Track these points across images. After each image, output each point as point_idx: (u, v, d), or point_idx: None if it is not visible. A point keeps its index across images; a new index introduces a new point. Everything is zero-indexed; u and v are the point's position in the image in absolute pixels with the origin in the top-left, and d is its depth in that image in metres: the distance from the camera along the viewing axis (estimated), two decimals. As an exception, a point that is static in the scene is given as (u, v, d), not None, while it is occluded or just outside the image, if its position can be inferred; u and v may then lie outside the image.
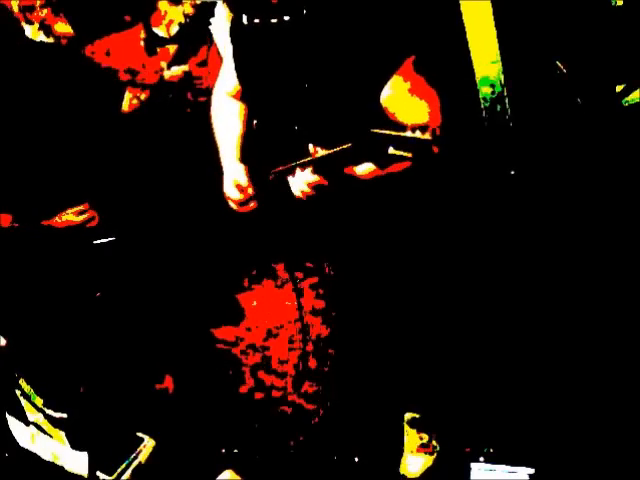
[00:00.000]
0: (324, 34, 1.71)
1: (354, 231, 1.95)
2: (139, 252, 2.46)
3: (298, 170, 1.69)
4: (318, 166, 1.66)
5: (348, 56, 1.71)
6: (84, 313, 2.30)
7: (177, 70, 2.52)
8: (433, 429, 2.09)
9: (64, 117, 2.40)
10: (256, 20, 1.73)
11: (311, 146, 1.67)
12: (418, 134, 1.46)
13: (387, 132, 1.50)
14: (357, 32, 1.71)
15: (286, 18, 1.70)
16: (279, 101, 1.85)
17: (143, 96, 2.52)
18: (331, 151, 1.62)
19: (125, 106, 2.53)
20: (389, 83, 1.71)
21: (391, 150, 1.51)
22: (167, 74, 2.53)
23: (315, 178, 1.67)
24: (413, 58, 1.72)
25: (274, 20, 1.70)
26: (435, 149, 1.53)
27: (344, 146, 1.58)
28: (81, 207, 2.34)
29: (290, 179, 1.73)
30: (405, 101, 1.71)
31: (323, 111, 1.78)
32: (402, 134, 1.49)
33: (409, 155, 1.50)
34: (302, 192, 1.70)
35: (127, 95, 2.53)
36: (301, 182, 1.69)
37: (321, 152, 1.64)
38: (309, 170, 1.67)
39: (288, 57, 1.77)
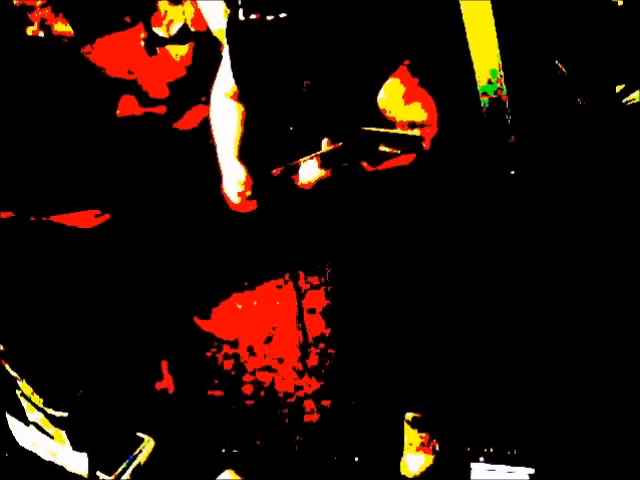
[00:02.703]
0: (321, 33, 1.71)
1: (355, 230, 1.95)
2: (139, 252, 2.46)
3: (303, 166, 1.70)
4: (322, 162, 1.68)
5: (345, 56, 1.71)
6: (85, 313, 2.30)
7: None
8: (433, 429, 2.09)
9: (65, 116, 2.40)
10: (252, 16, 1.71)
11: (325, 141, 1.67)
12: (408, 131, 1.46)
13: (376, 129, 1.52)
14: (354, 32, 1.70)
15: (282, 15, 1.69)
16: (276, 101, 1.85)
17: (136, 110, 2.52)
18: (326, 150, 1.63)
19: (119, 111, 2.52)
20: (387, 83, 1.71)
21: (382, 147, 1.52)
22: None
23: (321, 172, 1.68)
24: (411, 58, 1.72)
25: (270, 17, 1.69)
26: (426, 145, 1.53)
27: (336, 145, 1.60)
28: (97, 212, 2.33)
29: (300, 172, 1.73)
30: (403, 102, 1.71)
31: (320, 111, 1.78)
32: (391, 131, 1.50)
33: (398, 152, 1.51)
34: (307, 183, 1.71)
35: (122, 102, 2.52)
36: (308, 176, 1.70)
37: (321, 150, 1.65)
38: (315, 165, 1.68)
39: (284, 57, 1.77)
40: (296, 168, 1.73)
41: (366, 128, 1.53)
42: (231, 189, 1.97)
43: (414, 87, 1.71)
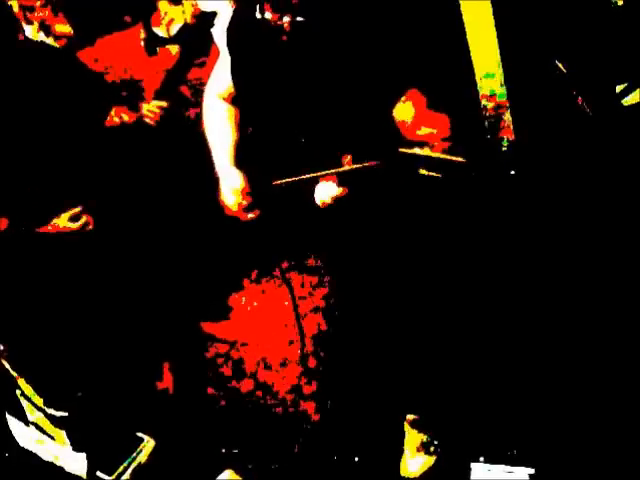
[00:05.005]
0: (332, 44, 1.67)
1: (353, 230, 1.95)
2: (139, 254, 2.46)
3: (322, 181, 1.70)
4: (342, 178, 1.67)
5: (355, 67, 1.68)
6: (85, 314, 2.30)
7: (154, 105, 2.50)
8: (434, 429, 2.09)
9: (61, 120, 2.39)
10: (267, 15, 1.65)
11: (347, 159, 1.67)
12: (450, 156, 1.46)
13: (415, 152, 1.51)
14: (368, 45, 1.67)
15: (298, 19, 1.64)
16: (275, 108, 1.80)
17: (126, 117, 2.50)
18: (353, 167, 1.63)
19: (107, 121, 2.51)
20: (399, 99, 1.70)
21: (422, 171, 1.52)
22: (145, 107, 2.51)
23: (339, 190, 1.68)
24: (420, 74, 1.71)
25: (286, 19, 1.63)
26: (470, 170, 1.53)
27: (369, 163, 1.59)
28: (76, 211, 2.31)
29: (317, 190, 1.73)
30: (416, 118, 1.70)
31: (322, 122, 1.75)
32: (432, 154, 1.49)
33: (439, 175, 1.51)
34: (324, 203, 1.72)
35: (112, 112, 2.51)
36: (326, 194, 1.70)
37: (345, 167, 1.65)
38: (333, 182, 1.68)
39: (290, 63, 1.72)
40: (301, 182, 1.71)
41: (404, 150, 1.53)
42: (228, 198, 1.93)
43: (425, 104, 1.70)
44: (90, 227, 2.31)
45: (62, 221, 2.27)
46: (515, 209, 2.10)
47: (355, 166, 1.64)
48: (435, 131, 1.69)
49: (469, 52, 1.94)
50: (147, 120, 2.49)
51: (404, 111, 1.71)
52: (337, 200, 1.71)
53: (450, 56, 1.96)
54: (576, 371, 2.06)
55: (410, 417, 2.10)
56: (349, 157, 1.68)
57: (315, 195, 1.75)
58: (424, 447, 2.07)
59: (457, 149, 1.68)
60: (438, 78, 1.81)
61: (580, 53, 2.09)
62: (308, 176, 1.70)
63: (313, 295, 2.33)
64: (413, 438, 2.08)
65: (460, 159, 1.51)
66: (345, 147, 1.70)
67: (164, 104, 2.49)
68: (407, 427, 2.10)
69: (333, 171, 1.68)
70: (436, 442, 2.07)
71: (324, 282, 2.31)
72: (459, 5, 1.91)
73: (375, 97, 1.71)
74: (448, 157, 1.52)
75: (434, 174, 1.54)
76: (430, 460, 2.06)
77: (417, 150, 1.57)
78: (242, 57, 1.85)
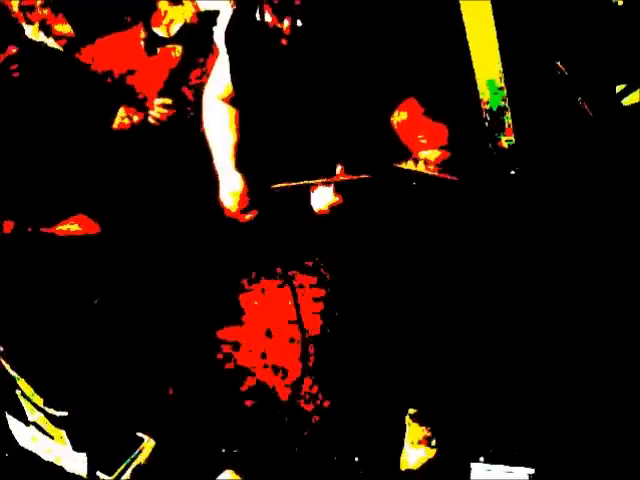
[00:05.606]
0: (332, 48, 1.67)
1: (354, 230, 1.95)
2: (139, 255, 2.46)
3: (319, 188, 1.72)
4: (338, 187, 1.70)
5: (355, 74, 1.68)
6: (86, 315, 2.30)
7: (161, 102, 2.50)
8: (435, 424, 2.09)
9: (65, 123, 2.39)
10: (267, 18, 1.65)
11: (339, 168, 1.69)
12: (439, 173, 1.48)
13: (409, 168, 1.53)
14: (368, 48, 1.68)
15: (298, 23, 1.63)
16: (272, 111, 1.81)
17: (136, 118, 2.50)
18: (350, 177, 1.65)
19: (115, 123, 2.50)
20: (400, 105, 1.70)
21: (414, 184, 1.55)
22: (153, 103, 2.51)
23: (335, 199, 1.70)
24: (421, 75, 1.72)
25: (286, 22, 1.63)
26: (457, 182, 1.55)
27: (364, 176, 1.62)
28: (79, 213, 2.31)
29: (312, 197, 1.75)
30: (414, 123, 1.71)
31: (320, 125, 1.76)
32: (425, 172, 1.51)
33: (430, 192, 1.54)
34: (320, 211, 1.73)
35: (121, 113, 2.50)
36: (323, 202, 1.72)
37: (341, 177, 1.67)
38: (331, 190, 1.70)
39: (288, 66, 1.72)
40: (299, 188, 1.73)
41: (398, 165, 1.55)
42: (227, 200, 1.94)
43: (423, 112, 1.71)
44: (94, 231, 2.31)
45: (66, 224, 2.27)
46: (515, 209, 2.10)
47: (350, 177, 1.67)
48: (433, 139, 1.70)
49: (469, 53, 1.94)
50: (151, 120, 2.49)
51: (402, 118, 1.71)
52: (333, 208, 1.73)
53: (451, 57, 1.96)
54: (576, 371, 2.07)
55: (412, 411, 2.10)
56: (341, 167, 1.71)
57: (312, 203, 1.77)
58: (424, 440, 2.07)
59: (455, 155, 1.69)
60: (439, 79, 1.82)
61: (580, 54, 2.09)
62: (304, 182, 1.73)
63: (314, 295, 2.33)
64: (415, 432, 2.08)
65: (453, 177, 1.54)
66: (343, 151, 1.71)
67: (169, 101, 2.48)
68: (409, 421, 2.10)
69: (328, 180, 1.70)
70: (436, 436, 2.08)
71: (325, 282, 2.31)
72: (459, 6, 1.91)
73: (375, 100, 1.72)
74: (441, 175, 1.55)
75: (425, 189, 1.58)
76: (430, 453, 2.06)
77: (412, 166, 1.60)
78: (241, 59, 1.85)
